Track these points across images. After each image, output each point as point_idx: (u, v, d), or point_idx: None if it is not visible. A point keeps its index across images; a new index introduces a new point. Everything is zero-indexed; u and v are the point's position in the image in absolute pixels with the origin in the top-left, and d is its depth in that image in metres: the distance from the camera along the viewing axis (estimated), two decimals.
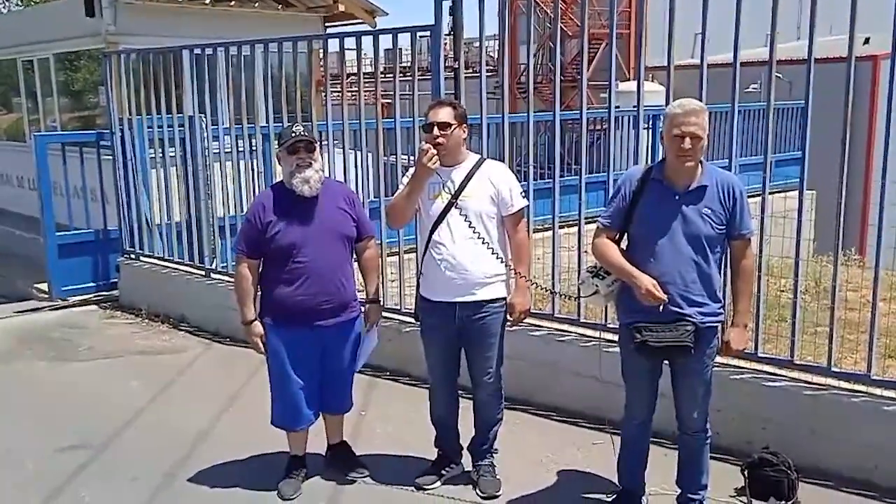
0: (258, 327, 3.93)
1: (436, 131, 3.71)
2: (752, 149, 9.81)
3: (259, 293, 3.96)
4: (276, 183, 4.12)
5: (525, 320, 4.10)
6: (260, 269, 3.94)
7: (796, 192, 4.30)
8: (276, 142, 4.01)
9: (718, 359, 3.67)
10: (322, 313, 3.87)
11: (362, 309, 4.09)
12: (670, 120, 3.30)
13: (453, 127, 3.74)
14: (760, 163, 4.36)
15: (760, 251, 4.29)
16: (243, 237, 3.94)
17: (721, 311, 3.55)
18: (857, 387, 4.09)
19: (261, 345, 3.95)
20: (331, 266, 3.87)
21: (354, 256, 4.10)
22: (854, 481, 3.97)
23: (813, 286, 6.09)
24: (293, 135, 3.84)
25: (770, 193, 4.36)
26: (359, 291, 4.13)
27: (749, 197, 3.48)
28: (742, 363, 4.36)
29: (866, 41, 11.72)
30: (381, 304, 4.65)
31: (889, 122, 3.89)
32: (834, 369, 4.16)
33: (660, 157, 3.52)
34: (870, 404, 3.99)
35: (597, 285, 3.61)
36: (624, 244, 3.56)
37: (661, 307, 3.34)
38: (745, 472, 3.90)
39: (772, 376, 4.29)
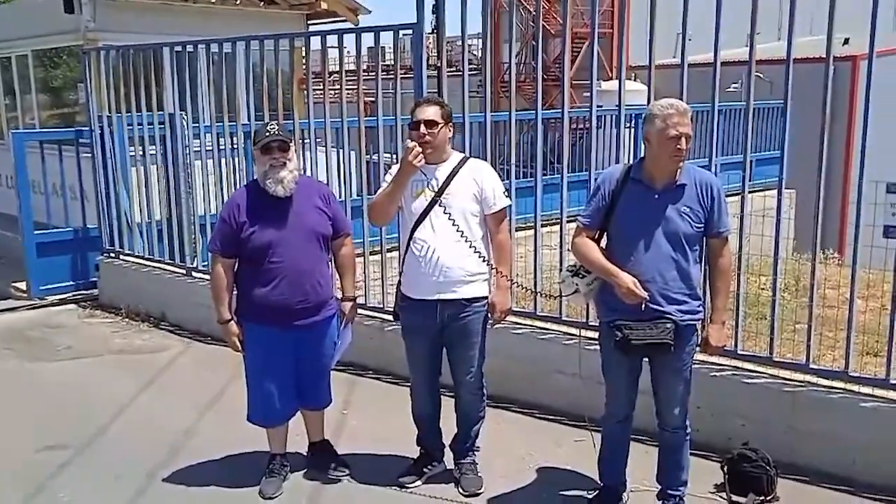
0: (234, 326, 3.92)
1: (423, 129, 3.71)
2: (732, 148, 9.90)
3: (235, 292, 3.94)
4: (250, 182, 4.10)
5: (506, 318, 4.11)
6: (235, 269, 3.92)
7: (776, 191, 4.33)
8: (252, 140, 3.98)
9: (698, 356, 3.69)
10: (298, 313, 3.85)
11: (338, 306, 4.08)
12: (664, 120, 3.30)
13: (440, 125, 3.74)
14: (740, 162, 4.40)
15: (740, 249, 4.33)
16: (218, 237, 3.91)
17: (700, 308, 3.57)
18: (835, 383, 4.13)
19: (238, 343, 3.93)
20: (307, 266, 3.85)
21: (331, 254, 4.08)
22: (832, 476, 4.01)
23: (792, 284, 6.15)
24: (267, 134, 3.81)
25: (750, 192, 4.39)
26: (337, 289, 4.11)
27: (729, 196, 3.51)
28: (721, 360, 4.39)
29: (846, 42, 11.82)
30: (362, 301, 4.65)
31: (866, 122, 3.94)
32: (812, 366, 4.20)
33: (641, 156, 3.54)
34: (848, 401, 4.04)
35: (577, 284, 3.63)
36: (603, 243, 3.58)
37: (643, 305, 3.36)
38: (725, 468, 3.93)
39: (751, 373, 4.33)
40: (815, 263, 4.23)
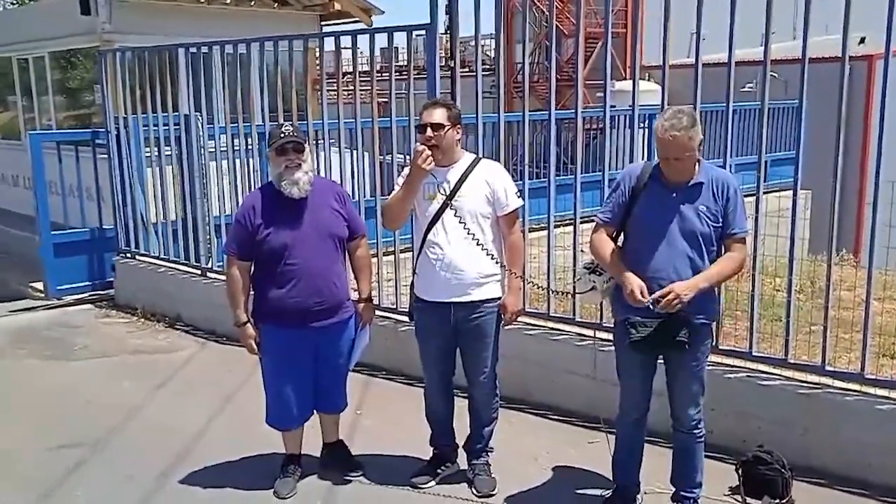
0: (250, 329, 3.92)
1: (429, 132, 3.71)
2: (747, 148, 9.84)
3: (252, 294, 3.95)
4: (265, 184, 4.11)
5: (520, 319, 4.11)
6: (251, 271, 3.94)
7: (791, 192, 4.30)
8: (267, 141, 3.99)
9: (712, 357, 3.68)
10: (315, 315, 3.86)
11: (355, 308, 4.09)
12: (657, 138, 3.31)
13: (447, 128, 3.74)
14: (755, 162, 4.37)
15: (755, 250, 4.30)
16: (234, 239, 3.92)
17: (716, 308, 3.55)
18: (851, 386, 4.10)
19: (254, 346, 3.94)
20: (323, 267, 3.85)
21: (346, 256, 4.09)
22: (848, 479, 3.98)
23: (808, 286, 6.11)
24: (282, 135, 3.82)
25: (765, 193, 4.37)
26: (353, 290, 4.13)
27: (744, 196, 3.49)
28: (736, 362, 4.37)
29: (862, 41, 11.74)
30: (377, 303, 4.66)
31: (882, 122, 3.91)
32: (828, 368, 4.17)
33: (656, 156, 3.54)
34: (864, 403, 4.01)
35: (594, 281, 3.64)
36: (620, 240, 3.58)
37: (651, 306, 3.34)
38: (740, 471, 3.91)
39: (766, 375, 4.30)
40: (831, 264, 4.20)
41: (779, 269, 4.90)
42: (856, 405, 4.02)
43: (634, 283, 3.35)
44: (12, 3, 20.25)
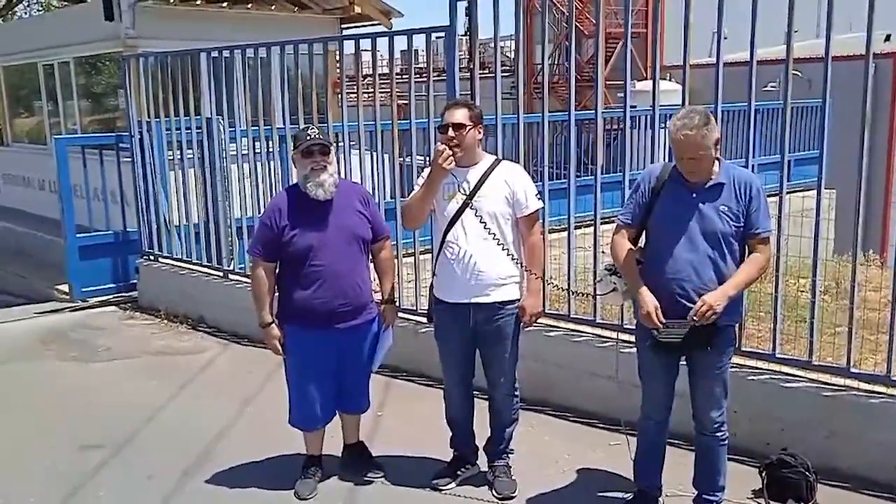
0: (275, 329, 3.95)
1: (451, 132, 3.72)
2: (770, 148, 9.74)
3: (276, 295, 3.98)
4: (291, 186, 4.14)
5: (540, 321, 4.10)
6: (276, 272, 3.96)
7: (815, 191, 4.25)
8: (292, 144, 4.02)
9: (735, 359, 3.64)
10: (340, 316, 3.88)
11: (378, 309, 4.10)
12: (671, 138, 3.30)
13: (469, 128, 3.74)
14: (779, 162, 4.33)
15: (778, 251, 4.26)
16: (259, 240, 3.96)
17: (738, 309, 3.52)
18: (876, 388, 4.04)
19: (279, 347, 3.96)
20: (347, 269, 3.87)
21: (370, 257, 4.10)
22: (874, 483, 3.93)
23: (833, 286, 6.03)
24: (308, 138, 3.85)
25: (788, 193, 4.32)
26: (375, 292, 4.14)
27: (768, 196, 3.46)
28: (760, 364, 4.33)
29: (887, 38, 11.60)
30: (398, 304, 4.66)
31: None
32: (853, 370, 4.11)
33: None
34: (890, 405, 3.95)
35: (614, 283, 3.62)
36: (642, 241, 3.55)
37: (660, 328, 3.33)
38: (763, 474, 3.88)
39: (790, 377, 4.25)
40: (856, 265, 4.15)
41: (803, 269, 4.85)
42: (882, 407, 3.96)
43: (650, 303, 3.34)
44: (38, 10, 20.54)
